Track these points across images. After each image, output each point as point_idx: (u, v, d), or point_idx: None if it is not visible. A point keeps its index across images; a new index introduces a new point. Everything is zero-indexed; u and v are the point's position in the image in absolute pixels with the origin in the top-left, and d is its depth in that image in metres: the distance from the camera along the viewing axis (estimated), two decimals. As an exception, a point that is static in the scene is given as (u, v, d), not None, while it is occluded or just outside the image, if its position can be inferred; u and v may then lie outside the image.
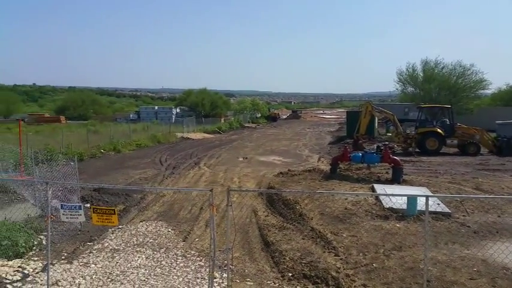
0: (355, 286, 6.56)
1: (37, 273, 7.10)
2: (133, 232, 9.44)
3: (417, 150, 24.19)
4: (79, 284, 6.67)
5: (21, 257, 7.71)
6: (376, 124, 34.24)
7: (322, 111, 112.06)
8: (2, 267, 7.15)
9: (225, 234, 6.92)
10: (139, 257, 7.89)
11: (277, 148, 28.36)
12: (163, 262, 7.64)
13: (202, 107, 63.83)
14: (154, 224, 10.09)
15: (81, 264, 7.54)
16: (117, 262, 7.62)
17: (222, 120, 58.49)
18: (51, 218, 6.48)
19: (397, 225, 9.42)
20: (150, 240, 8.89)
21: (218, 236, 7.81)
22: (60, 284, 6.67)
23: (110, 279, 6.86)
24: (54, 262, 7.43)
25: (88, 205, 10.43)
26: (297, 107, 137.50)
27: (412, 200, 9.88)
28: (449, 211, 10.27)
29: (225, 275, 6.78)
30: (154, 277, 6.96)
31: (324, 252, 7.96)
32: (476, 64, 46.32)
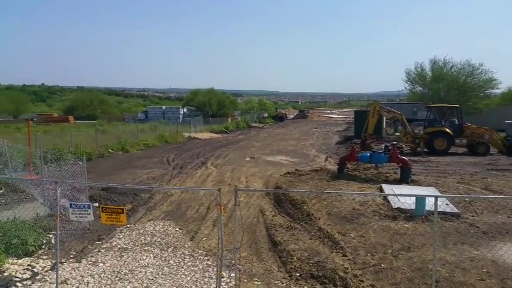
0: (363, 287, 6.52)
1: (46, 271, 7.16)
2: (141, 231, 9.48)
3: (425, 150, 24.02)
4: (88, 283, 6.71)
5: (30, 256, 7.78)
6: (384, 124, 34.06)
7: (329, 111, 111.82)
8: (12, 266, 7.23)
9: (233, 233, 6.93)
10: (147, 256, 7.92)
11: (284, 148, 28.34)
12: (171, 261, 7.66)
13: (210, 106, 63.97)
14: (162, 223, 10.12)
15: (89, 263, 7.58)
16: (126, 261, 7.66)
17: (229, 120, 58.59)
18: (60, 217, 6.53)
19: (406, 225, 9.36)
20: (158, 240, 8.92)
21: (225, 236, 7.82)
22: (69, 282, 6.72)
23: (118, 278, 6.89)
24: (63, 261, 7.49)
25: (96, 204, 10.49)
26: (304, 106, 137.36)
27: (420, 200, 9.81)
28: (458, 211, 10.18)
29: (232, 274, 6.78)
30: (163, 276, 6.98)
31: (332, 252, 7.93)
32: (485, 63, 45.92)
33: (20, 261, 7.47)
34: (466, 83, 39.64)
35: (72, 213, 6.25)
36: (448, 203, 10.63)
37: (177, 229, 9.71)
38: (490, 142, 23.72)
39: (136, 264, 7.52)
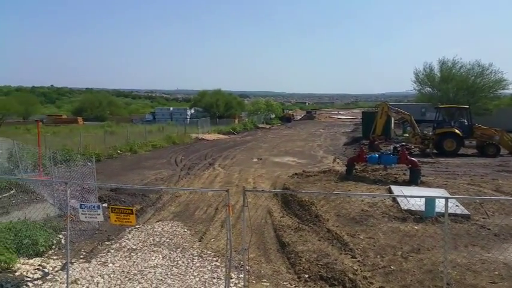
0: (372, 288, 6.48)
1: (57, 271, 7.21)
2: (150, 232, 9.51)
3: (435, 151, 23.84)
4: (97, 283, 6.75)
5: (41, 256, 7.84)
6: (393, 125, 33.87)
7: (337, 112, 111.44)
8: (23, 266, 7.29)
9: (241, 234, 6.92)
10: (156, 256, 7.95)
11: (291, 149, 28.29)
12: (179, 262, 7.67)
13: (217, 107, 64.07)
14: (170, 224, 10.15)
15: (99, 263, 7.62)
16: (135, 261, 7.69)
17: (236, 121, 58.62)
18: (70, 217, 6.57)
19: (415, 227, 9.29)
20: (167, 240, 8.94)
21: (233, 237, 7.82)
22: (79, 282, 6.76)
23: (127, 278, 6.92)
24: (73, 261, 7.53)
25: (105, 205, 10.55)
26: (312, 107, 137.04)
27: (430, 201, 9.73)
28: (469, 213, 10.09)
29: (241, 275, 6.78)
30: (171, 277, 7.00)
31: (341, 254, 7.89)
32: (495, 63, 45.44)
33: (30, 261, 7.53)
34: (475, 84, 39.22)
35: (82, 213, 6.29)
36: (458, 204, 10.54)
37: (186, 230, 9.73)
38: (501, 143, 23.46)
39: (146, 264, 7.55)
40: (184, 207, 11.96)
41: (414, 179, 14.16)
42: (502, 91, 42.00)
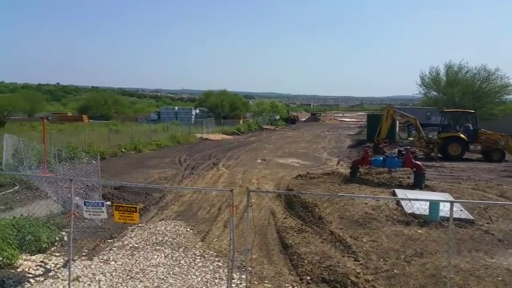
0: (375, 292, 6.44)
1: (58, 268, 7.22)
2: (152, 231, 9.52)
3: (439, 155, 23.73)
4: (99, 281, 6.75)
5: (43, 252, 7.87)
6: (397, 128, 33.75)
7: (341, 114, 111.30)
8: (25, 262, 7.31)
9: (243, 235, 6.90)
10: (158, 255, 7.94)
11: (295, 150, 28.25)
12: (182, 261, 7.67)
13: (222, 108, 64.08)
14: (173, 223, 10.15)
15: (101, 261, 7.63)
16: (137, 260, 7.69)
17: (241, 122, 58.62)
18: (73, 214, 6.58)
19: (419, 231, 9.23)
20: (169, 239, 8.94)
21: (236, 237, 7.79)
22: (80, 280, 6.76)
23: (129, 277, 6.92)
24: (75, 258, 7.54)
25: (108, 203, 10.55)
26: (316, 109, 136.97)
27: (434, 205, 9.67)
28: (473, 218, 10.01)
29: (243, 276, 6.75)
30: (173, 276, 6.99)
31: (344, 256, 7.85)
32: (501, 68, 45.14)
33: (33, 257, 7.55)
34: (481, 88, 39.04)
35: (86, 211, 6.30)
36: (463, 209, 10.47)
37: (188, 229, 9.73)
38: (506, 148, 23.33)
39: (148, 263, 7.54)
40: (187, 206, 11.96)
41: (418, 183, 14.09)
42: (508, 96, 41.81)
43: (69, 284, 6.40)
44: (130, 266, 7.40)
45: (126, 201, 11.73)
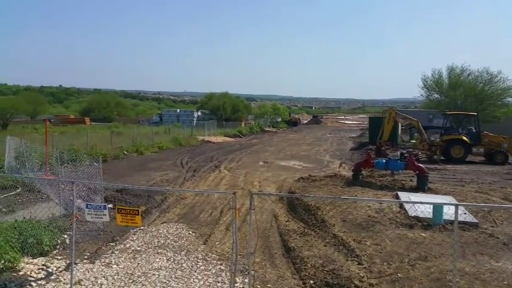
0: (379, 296, 6.39)
1: (60, 271, 7.18)
2: (154, 234, 9.47)
3: (442, 158, 23.65)
4: (101, 284, 6.70)
5: (45, 255, 7.81)
6: (399, 131, 33.67)
7: (343, 117, 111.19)
8: (27, 265, 7.26)
9: (246, 238, 6.85)
10: (160, 258, 7.90)
11: (297, 153, 28.20)
12: (184, 265, 7.62)
13: (224, 110, 64.10)
14: (175, 226, 10.10)
15: (103, 264, 7.58)
16: (139, 263, 7.64)
17: (243, 124, 58.61)
18: (75, 217, 6.55)
19: (423, 234, 9.17)
20: (171, 243, 8.89)
21: (238, 240, 7.74)
22: (82, 283, 6.72)
23: (131, 280, 6.87)
24: (77, 261, 7.49)
25: (110, 205, 10.52)
26: (318, 112, 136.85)
27: (438, 208, 9.62)
28: (477, 221, 9.94)
29: (246, 280, 6.71)
30: (175, 279, 6.94)
31: (347, 260, 7.79)
32: (504, 71, 45.03)
33: (34, 260, 7.51)
34: (483, 91, 38.95)
35: (88, 213, 6.27)
36: (467, 212, 10.41)
37: (190, 232, 9.68)
38: (509, 151, 23.22)
39: (150, 266, 7.50)
40: (189, 209, 11.92)
41: (421, 186, 14.03)
42: (511, 99, 41.69)
43: (71, 287, 6.37)
44: (132, 269, 7.36)
45: (128, 203, 11.70)
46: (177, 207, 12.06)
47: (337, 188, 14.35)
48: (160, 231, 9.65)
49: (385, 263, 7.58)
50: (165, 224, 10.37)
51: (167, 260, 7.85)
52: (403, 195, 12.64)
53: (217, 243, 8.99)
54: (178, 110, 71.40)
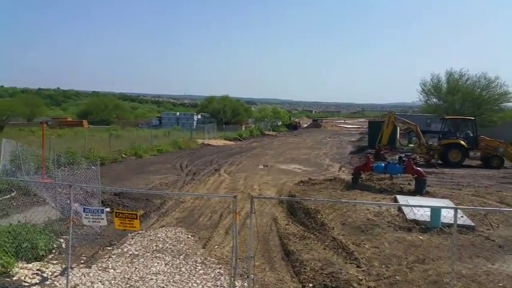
0: (378, 300, 6.36)
1: (55, 276, 7.10)
2: (152, 238, 9.42)
3: (440, 162, 23.74)
4: (98, 289, 6.65)
5: (40, 260, 7.70)
6: (398, 135, 33.74)
7: (343, 121, 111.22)
8: (22, 270, 7.16)
9: (245, 242, 6.82)
10: (158, 263, 7.84)
11: (297, 156, 28.18)
12: (182, 269, 7.57)
13: (224, 114, 64.11)
14: (174, 230, 10.04)
15: (100, 268, 7.52)
16: (136, 268, 7.58)
17: (243, 128, 58.58)
18: (72, 221, 6.50)
19: (421, 237, 9.15)
20: (170, 247, 8.84)
21: (238, 244, 7.71)
22: (78, 288, 6.66)
23: (128, 285, 6.82)
24: (73, 266, 7.42)
25: (108, 209, 10.47)
26: (318, 116, 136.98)
27: (436, 211, 9.61)
28: (473, 224, 9.95)
29: (245, 283, 6.67)
30: (174, 284, 6.89)
31: (346, 263, 7.77)
32: (501, 76, 45.21)
33: (29, 265, 7.39)
34: (481, 96, 39.21)
35: (85, 217, 6.22)
36: (463, 215, 10.39)
37: (189, 236, 9.63)
38: (505, 155, 23.47)
39: (148, 271, 7.44)
40: (188, 213, 11.87)
41: (419, 189, 14.05)
42: (507, 104, 41.94)
43: (67, 291, 6.32)
44: (129, 274, 7.30)
45: (126, 207, 11.64)
46: (176, 211, 12.01)
47: (337, 191, 14.32)
48: (158, 235, 9.60)
49: (383, 266, 7.56)
50: (163, 227, 10.30)
51: (165, 264, 7.80)
52: (402, 199, 12.64)
53: (216, 247, 8.95)
54: (178, 113, 71.41)
